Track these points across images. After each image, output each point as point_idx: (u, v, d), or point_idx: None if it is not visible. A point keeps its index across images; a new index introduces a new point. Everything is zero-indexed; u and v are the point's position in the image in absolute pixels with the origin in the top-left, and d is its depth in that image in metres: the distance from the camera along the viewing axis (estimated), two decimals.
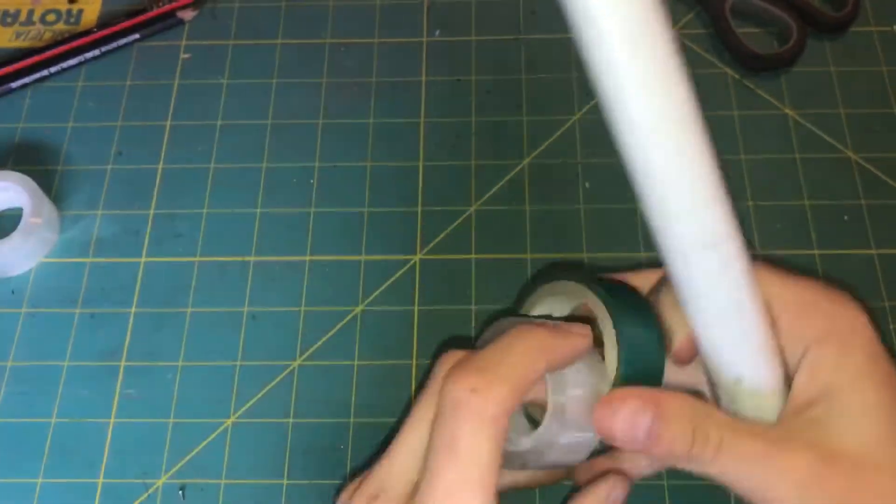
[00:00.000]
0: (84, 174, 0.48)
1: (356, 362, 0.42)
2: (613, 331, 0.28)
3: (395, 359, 0.42)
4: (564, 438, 0.27)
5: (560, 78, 0.49)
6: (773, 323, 0.27)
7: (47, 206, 0.45)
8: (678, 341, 0.28)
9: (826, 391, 0.26)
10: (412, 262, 0.44)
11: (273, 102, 0.50)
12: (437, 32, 0.52)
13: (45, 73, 0.50)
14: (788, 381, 0.27)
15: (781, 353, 0.27)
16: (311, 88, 0.50)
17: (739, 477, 0.25)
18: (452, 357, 0.27)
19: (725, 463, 0.26)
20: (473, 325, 0.43)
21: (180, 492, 0.39)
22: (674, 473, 0.38)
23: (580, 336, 0.28)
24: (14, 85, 0.50)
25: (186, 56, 0.52)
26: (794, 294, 0.27)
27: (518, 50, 0.50)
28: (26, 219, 0.44)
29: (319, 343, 0.42)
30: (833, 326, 0.27)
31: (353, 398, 0.41)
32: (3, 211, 0.47)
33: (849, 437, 0.25)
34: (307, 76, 0.50)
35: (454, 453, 0.24)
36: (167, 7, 0.52)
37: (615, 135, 0.22)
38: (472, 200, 0.46)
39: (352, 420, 0.41)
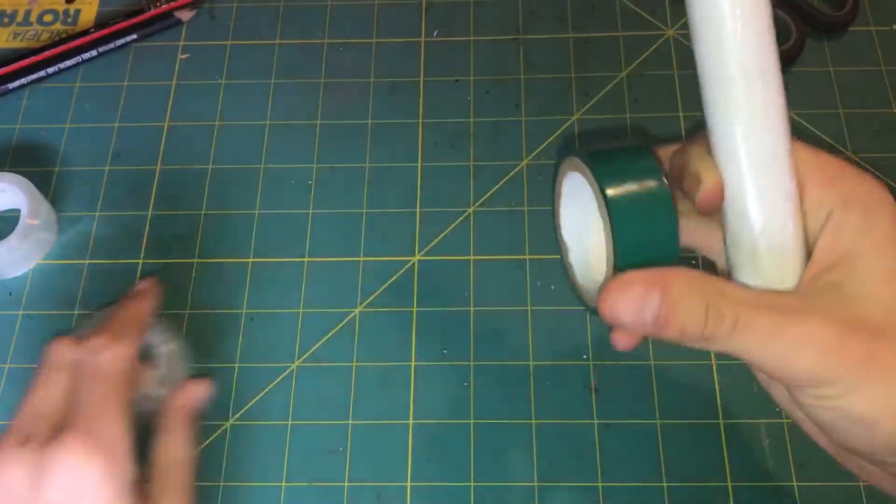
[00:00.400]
0: (82, 175, 0.48)
1: (355, 363, 0.42)
2: (607, 217, 0.26)
3: (394, 360, 0.42)
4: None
5: (559, 78, 0.49)
6: (800, 185, 0.26)
7: (45, 207, 0.45)
8: (704, 188, 0.26)
9: (848, 255, 0.25)
10: (411, 263, 0.44)
11: (271, 103, 0.49)
12: (436, 33, 0.51)
13: (42, 73, 0.50)
14: (810, 247, 0.26)
15: (805, 217, 0.26)
16: (309, 89, 0.50)
17: (759, 353, 0.24)
18: (59, 341, 0.35)
19: (742, 340, 0.24)
20: (472, 326, 0.42)
21: None
22: (673, 475, 0.39)
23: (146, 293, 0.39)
24: (11, 85, 0.50)
25: (184, 56, 0.51)
26: (822, 162, 0.26)
27: (517, 50, 0.50)
28: (24, 220, 0.44)
29: (318, 344, 0.42)
30: (858, 193, 0.26)
31: (351, 399, 0.41)
32: (1, 212, 0.46)
33: (870, 303, 0.24)
34: (305, 76, 0.50)
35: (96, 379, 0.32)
36: (165, 7, 0.52)
37: None
38: (471, 201, 0.46)
39: (350, 422, 0.40)
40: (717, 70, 0.26)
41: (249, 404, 0.41)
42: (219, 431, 0.40)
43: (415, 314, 0.43)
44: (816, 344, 0.24)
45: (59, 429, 0.31)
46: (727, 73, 0.26)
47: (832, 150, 0.46)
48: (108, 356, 0.33)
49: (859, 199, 0.25)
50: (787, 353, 0.24)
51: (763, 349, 0.24)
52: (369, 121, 0.49)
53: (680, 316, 0.25)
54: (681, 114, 0.48)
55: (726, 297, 0.25)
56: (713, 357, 0.41)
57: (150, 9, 0.52)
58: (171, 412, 0.37)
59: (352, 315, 0.43)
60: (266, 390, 0.41)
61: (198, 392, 0.39)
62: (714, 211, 0.27)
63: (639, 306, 0.25)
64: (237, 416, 0.41)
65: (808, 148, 0.27)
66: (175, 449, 0.36)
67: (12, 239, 0.43)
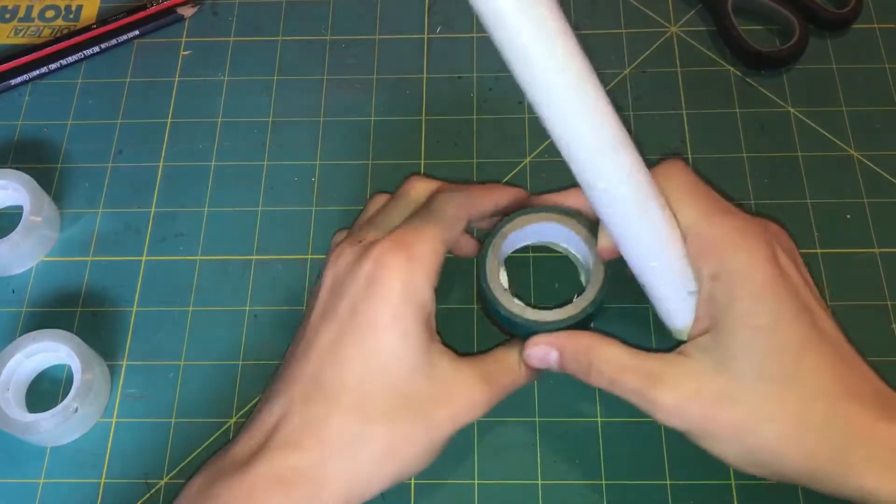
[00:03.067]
0: (84, 172, 0.47)
1: None
2: (601, 271, 0.38)
3: None
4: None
5: None
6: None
7: (47, 204, 0.45)
8: (600, 247, 0.37)
9: (713, 325, 0.32)
10: None
11: (274, 100, 0.49)
12: (439, 29, 0.51)
13: (44, 69, 0.50)
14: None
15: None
16: (312, 85, 0.50)
17: (631, 401, 0.34)
18: (421, 177, 0.40)
19: (615, 391, 0.34)
20: (475, 323, 0.42)
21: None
22: (677, 473, 0.39)
23: (511, 191, 0.40)
24: (13, 82, 0.50)
25: (187, 53, 0.51)
26: (707, 228, 0.32)
27: None
28: (26, 217, 0.44)
29: None
30: (726, 268, 0.32)
31: None
32: (4, 209, 0.46)
33: (721, 374, 0.31)
34: (308, 73, 0.50)
35: (428, 210, 0.36)
36: (167, 3, 0.52)
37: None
38: None
39: None
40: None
41: (252, 402, 0.41)
42: (222, 429, 0.40)
43: None
44: (664, 409, 0.32)
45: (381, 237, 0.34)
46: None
47: (835, 147, 0.46)
48: (445, 196, 0.37)
49: (725, 276, 0.32)
50: (646, 408, 0.33)
51: (633, 401, 0.33)
52: (372, 118, 0.48)
53: (571, 368, 0.35)
54: (683, 111, 0.48)
55: (608, 362, 0.34)
56: None
57: (152, 5, 0.52)
58: (534, 342, 0.37)
59: None
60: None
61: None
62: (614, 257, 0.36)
63: (545, 357, 0.36)
64: (240, 413, 0.41)
65: (702, 209, 0.33)
66: (510, 361, 0.37)
67: (15, 236, 0.43)
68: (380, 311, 0.32)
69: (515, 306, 0.38)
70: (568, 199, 0.39)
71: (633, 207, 0.31)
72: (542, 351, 0.36)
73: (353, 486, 0.31)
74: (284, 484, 0.30)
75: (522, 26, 0.25)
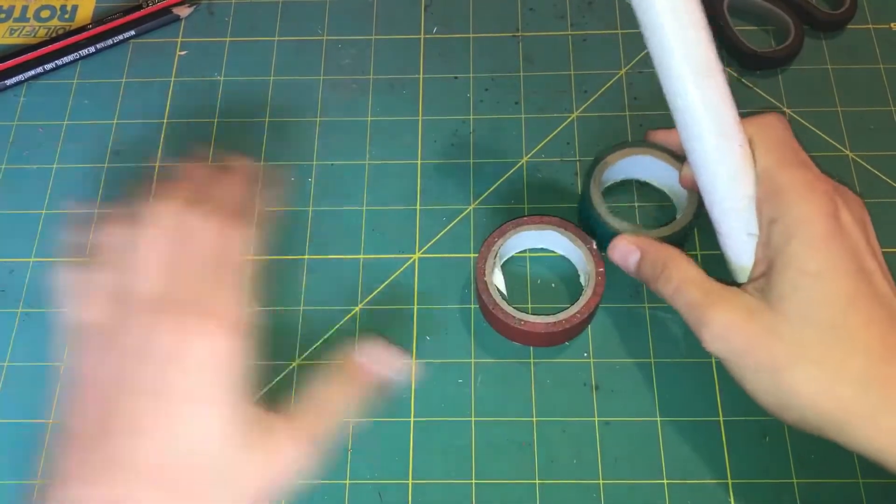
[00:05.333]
0: (80, 172, 0.47)
1: None
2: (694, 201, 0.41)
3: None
4: None
5: (558, 75, 0.49)
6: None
7: None
8: (681, 175, 0.40)
9: (769, 268, 0.33)
10: (411, 260, 0.44)
11: (270, 100, 0.49)
12: (435, 29, 0.51)
13: (39, 70, 0.50)
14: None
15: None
16: (308, 85, 0.50)
17: (682, 313, 0.35)
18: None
19: (676, 301, 0.35)
20: (472, 322, 0.42)
21: None
22: (674, 473, 0.39)
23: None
24: (8, 82, 0.50)
25: (182, 53, 0.51)
26: (778, 175, 0.33)
27: (516, 47, 0.50)
28: None
29: (319, 342, 0.42)
30: (785, 212, 0.33)
31: None
32: None
33: (770, 312, 0.32)
34: (304, 73, 0.50)
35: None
36: (163, 3, 0.52)
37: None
38: (471, 198, 0.46)
39: (351, 420, 0.40)
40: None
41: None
42: None
43: (415, 312, 0.43)
44: (715, 327, 0.33)
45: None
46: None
47: (830, 148, 0.46)
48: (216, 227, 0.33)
49: (783, 221, 0.33)
50: (697, 324, 0.34)
51: (685, 314, 0.35)
52: (369, 118, 0.48)
53: (644, 269, 0.37)
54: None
55: (680, 271, 0.35)
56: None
57: (147, 5, 0.52)
58: (350, 366, 0.36)
59: (352, 313, 0.43)
60: (267, 388, 0.41)
61: (394, 365, 0.37)
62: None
63: (625, 255, 0.38)
64: None
65: (774, 155, 0.34)
66: (330, 400, 0.34)
67: None
68: (186, 386, 0.30)
69: (615, 221, 0.41)
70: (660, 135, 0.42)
71: (709, 131, 0.34)
72: (627, 249, 0.38)
73: None
74: None
75: None
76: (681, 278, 0.35)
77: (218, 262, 0.32)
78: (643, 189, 0.46)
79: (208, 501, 0.30)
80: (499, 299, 0.40)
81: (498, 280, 0.42)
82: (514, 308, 0.40)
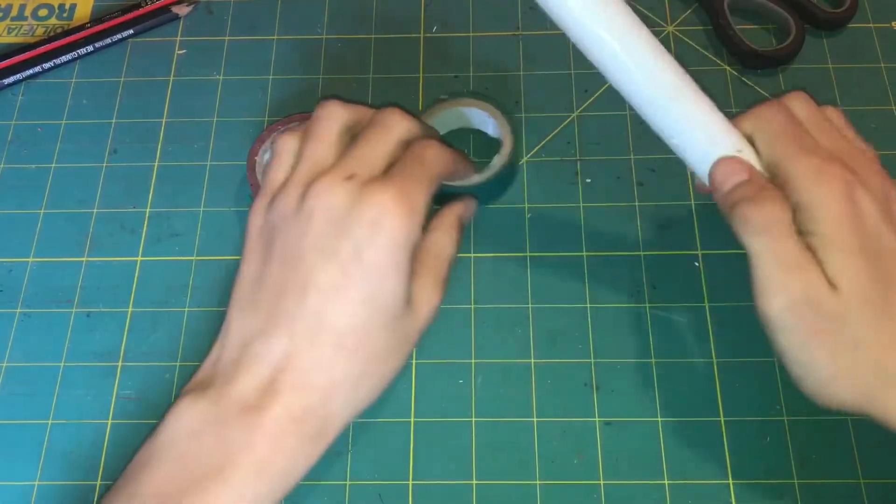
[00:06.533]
0: (79, 172, 0.47)
1: None
2: (509, 142, 0.44)
3: None
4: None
5: (558, 74, 0.49)
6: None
7: None
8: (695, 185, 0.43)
9: (814, 249, 0.32)
10: None
11: (269, 98, 0.49)
12: (435, 28, 0.51)
13: (37, 69, 0.50)
14: None
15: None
16: (307, 85, 0.50)
17: (760, 259, 0.32)
18: (398, 111, 0.38)
19: (759, 243, 0.32)
20: (473, 323, 0.42)
21: None
22: (675, 473, 0.39)
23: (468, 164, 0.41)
24: (6, 81, 0.50)
25: (181, 52, 0.51)
26: (788, 168, 0.33)
27: (516, 46, 0.50)
28: None
29: None
30: (803, 199, 0.33)
31: None
32: None
33: (832, 290, 0.31)
34: (304, 72, 0.50)
35: (421, 160, 0.35)
36: (161, 2, 0.52)
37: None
38: None
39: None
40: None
41: None
42: None
43: None
44: (791, 295, 0.32)
45: (376, 178, 0.34)
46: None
47: None
48: (437, 152, 0.36)
49: (804, 207, 0.32)
50: (764, 280, 0.32)
51: (756, 260, 0.32)
52: None
53: (742, 192, 0.34)
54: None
55: (781, 209, 0.33)
56: (714, 355, 0.41)
57: (146, 4, 0.52)
58: (446, 214, 0.39)
59: None
60: None
61: (469, 207, 0.42)
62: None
63: (733, 173, 0.35)
64: None
65: (780, 151, 0.34)
66: (444, 244, 0.38)
67: None
68: (385, 259, 0.32)
69: None
70: None
71: (702, 152, 0.36)
72: (735, 168, 0.35)
73: (347, 419, 0.33)
74: (297, 423, 0.31)
75: None
76: (779, 218, 0.33)
77: (425, 164, 0.36)
78: (477, 136, 0.47)
79: (392, 359, 0.34)
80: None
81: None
82: None
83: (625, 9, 0.34)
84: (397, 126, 0.37)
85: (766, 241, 0.32)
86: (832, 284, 0.31)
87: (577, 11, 0.33)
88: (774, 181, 0.34)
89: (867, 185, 0.33)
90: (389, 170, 0.35)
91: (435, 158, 0.36)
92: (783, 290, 0.32)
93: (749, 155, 0.35)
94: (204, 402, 0.32)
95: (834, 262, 0.31)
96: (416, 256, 0.35)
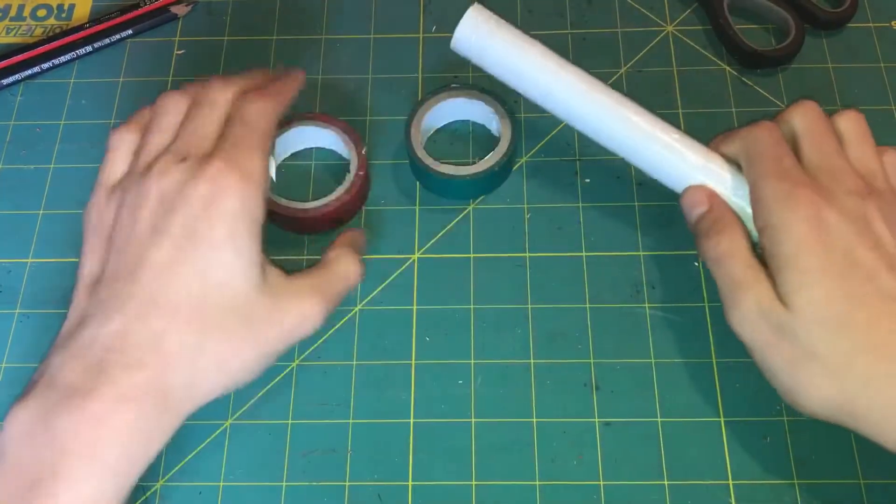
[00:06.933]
0: (78, 172, 0.47)
1: (355, 362, 0.42)
2: (508, 134, 0.45)
3: (394, 359, 0.42)
4: None
5: None
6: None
7: None
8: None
9: (774, 269, 0.34)
10: (410, 260, 0.44)
11: None
12: (434, 28, 0.51)
13: (36, 69, 0.50)
14: None
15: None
16: (307, 84, 0.49)
17: (718, 283, 0.36)
18: (221, 78, 0.37)
19: (717, 268, 0.36)
20: (472, 323, 0.42)
21: None
22: (675, 473, 0.39)
23: (292, 82, 0.39)
24: (5, 81, 0.49)
25: (180, 52, 0.51)
26: (760, 189, 0.35)
27: None
28: None
29: (318, 343, 0.42)
30: (768, 222, 0.34)
31: (352, 398, 0.41)
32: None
33: (786, 307, 0.33)
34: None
35: (247, 122, 0.35)
36: (160, 2, 0.52)
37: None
38: (471, 198, 0.46)
39: (351, 421, 0.40)
40: None
41: (249, 403, 0.41)
42: (218, 430, 0.40)
43: (415, 312, 0.43)
44: (739, 311, 0.34)
45: (206, 154, 0.34)
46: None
47: None
48: (258, 106, 0.36)
49: (769, 229, 0.34)
50: (728, 304, 0.35)
51: (723, 288, 0.35)
52: (367, 117, 0.48)
53: (701, 225, 0.37)
54: (680, 110, 0.48)
55: (735, 241, 0.36)
56: (714, 355, 0.41)
57: (145, 4, 0.52)
58: (343, 235, 0.40)
59: (351, 313, 0.43)
60: (266, 389, 0.41)
61: (362, 237, 0.41)
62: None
63: (695, 203, 0.38)
64: (237, 415, 0.41)
65: (755, 171, 0.36)
66: (342, 263, 0.38)
67: None
68: (217, 232, 0.32)
69: (433, 162, 0.44)
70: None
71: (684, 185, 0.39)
72: (698, 199, 0.38)
73: (193, 392, 0.32)
74: (130, 401, 0.30)
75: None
76: (729, 247, 0.36)
77: (248, 126, 0.35)
78: (476, 127, 0.48)
79: (235, 338, 0.33)
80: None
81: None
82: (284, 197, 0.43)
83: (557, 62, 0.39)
84: (218, 94, 0.36)
85: (720, 268, 0.36)
86: (784, 302, 0.33)
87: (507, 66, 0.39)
88: (751, 198, 0.36)
89: (840, 206, 0.33)
90: (219, 143, 0.34)
91: (258, 113, 0.35)
92: (737, 305, 0.34)
93: (718, 168, 0.38)
94: (31, 401, 0.30)
95: (789, 282, 0.33)
96: (312, 270, 0.36)
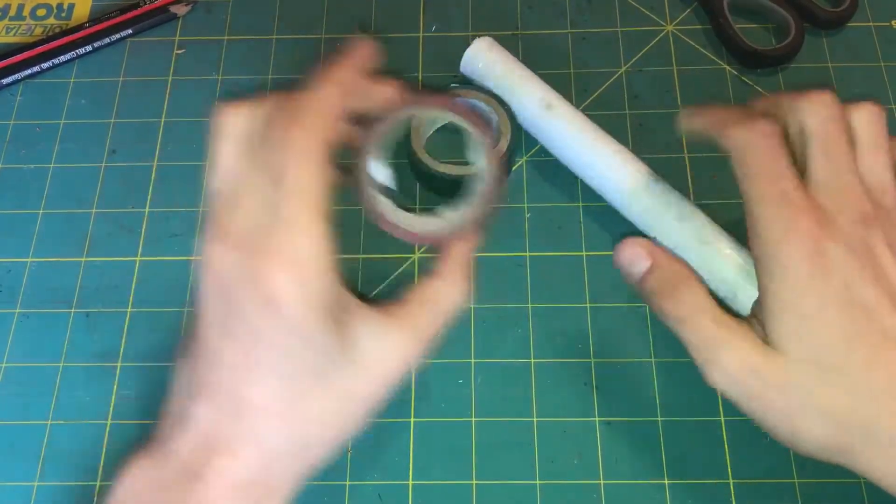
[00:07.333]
0: (77, 172, 0.47)
1: None
2: (509, 129, 0.45)
3: None
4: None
5: (557, 74, 0.49)
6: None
7: None
8: None
9: (765, 307, 0.31)
10: (411, 260, 0.44)
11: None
12: (434, 27, 0.51)
13: (36, 69, 0.50)
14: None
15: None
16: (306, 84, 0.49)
17: (688, 345, 0.32)
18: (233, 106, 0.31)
19: (681, 330, 0.32)
20: (473, 323, 0.42)
21: None
22: (675, 473, 0.39)
23: (389, 86, 0.33)
24: (5, 81, 0.49)
25: (180, 51, 0.51)
26: (757, 214, 0.31)
27: (515, 46, 0.50)
28: None
29: None
30: (767, 255, 0.31)
31: None
32: None
33: (776, 356, 0.31)
34: (303, 71, 0.50)
35: (283, 187, 0.28)
36: (160, 2, 0.52)
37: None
38: None
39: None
40: None
41: None
42: None
43: None
44: (727, 368, 0.31)
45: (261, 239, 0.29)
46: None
47: None
48: (288, 148, 0.29)
49: (767, 263, 0.31)
50: (705, 365, 0.31)
51: (694, 350, 0.32)
52: None
53: (648, 284, 0.34)
54: (680, 109, 0.48)
55: (695, 296, 0.32)
56: None
57: (145, 3, 0.52)
58: (451, 257, 0.34)
59: None
60: None
61: (470, 245, 0.34)
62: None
63: (632, 259, 0.34)
64: None
65: (755, 192, 0.32)
66: (444, 293, 0.33)
67: None
68: (284, 337, 0.29)
69: (433, 162, 0.44)
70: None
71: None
72: (636, 254, 0.34)
73: (300, 478, 0.31)
74: (238, 490, 0.30)
75: None
76: (693, 306, 0.32)
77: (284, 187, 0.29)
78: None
79: (334, 419, 0.31)
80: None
81: (381, 174, 0.35)
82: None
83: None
84: (278, 141, 0.29)
85: (686, 328, 0.32)
86: (776, 347, 0.31)
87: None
88: (747, 223, 0.32)
89: (844, 237, 0.31)
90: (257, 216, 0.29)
91: (295, 169, 0.28)
92: (716, 364, 0.31)
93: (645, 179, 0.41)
94: (150, 463, 0.30)
95: (786, 325, 0.31)
96: (403, 300, 0.32)
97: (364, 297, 0.32)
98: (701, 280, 0.33)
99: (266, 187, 0.29)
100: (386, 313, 0.32)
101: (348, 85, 0.31)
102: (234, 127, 0.30)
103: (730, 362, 0.31)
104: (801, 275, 0.30)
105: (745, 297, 0.38)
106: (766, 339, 0.31)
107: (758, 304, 0.32)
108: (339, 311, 0.30)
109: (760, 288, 0.32)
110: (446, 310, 0.33)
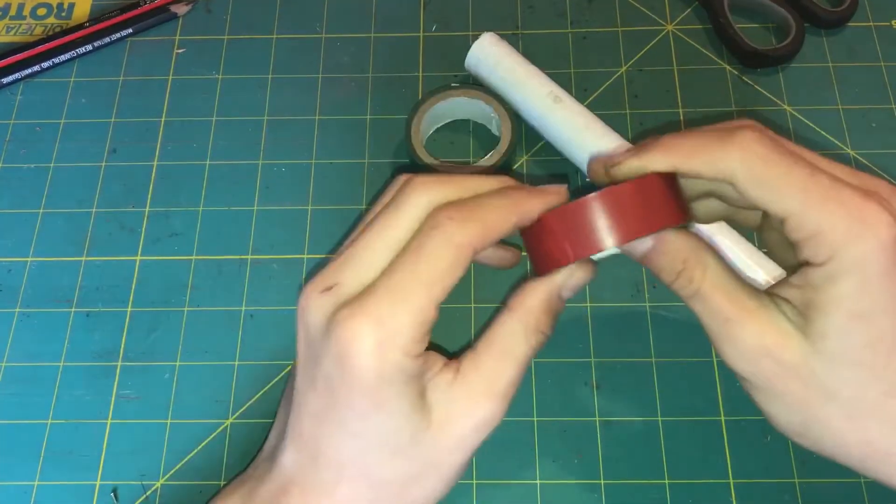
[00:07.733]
0: (78, 171, 0.47)
1: None
2: (509, 131, 0.45)
3: None
4: None
5: (558, 73, 0.49)
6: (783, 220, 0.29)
7: None
8: None
9: (806, 301, 0.29)
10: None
11: (269, 98, 0.49)
12: (434, 27, 0.51)
13: (36, 68, 0.50)
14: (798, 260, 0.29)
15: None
16: (306, 84, 0.49)
17: (702, 320, 0.30)
18: (420, 180, 0.31)
19: (696, 306, 0.30)
20: (473, 322, 0.42)
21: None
22: (675, 472, 0.39)
23: (554, 194, 0.31)
24: (5, 80, 0.49)
25: (180, 51, 0.51)
26: (814, 217, 0.28)
27: (516, 45, 0.50)
28: None
29: None
30: (836, 254, 0.27)
31: None
32: None
33: (807, 344, 0.28)
34: (303, 71, 0.50)
35: (416, 258, 0.29)
36: (160, 1, 0.51)
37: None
38: None
39: None
40: None
41: (249, 402, 0.41)
42: (218, 430, 0.40)
43: None
44: (739, 346, 0.29)
45: (353, 296, 0.29)
46: None
47: (831, 146, 0.46)
48: (448, 234, 0.29)
49: (833, 262, 0.28)
50: (721, 340, 0.30)
51: (710, 325, 0.30)
52: (368, 116, 0.48)
53: (656, 261, 0.31)
54: (680, 109, 0.48)
55: (708, 270, 0.30)
56: (714, 355, 0.41)
57: (145, 3, 0.52)
58: (530, 293, 0.32)
59: None
60: (266, 389, 0.41)
61: (583, 276, 0.32)
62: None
63: (633, 244, 0.31)
64: (237, 414, 0.41)
65: (789, 194, 0.28)
66: (516, 340, 0.31)
67: None
68: (357, 399, 0.29)
69: (433, 161, 0.44)
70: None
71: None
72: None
73: None
74: None
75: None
76: (706, 281, 0.30)
77: (421, 260, 0.29)
78: (476, 127, 0.48)
79: (412, 487, 0.30)
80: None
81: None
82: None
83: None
84: (408, 204, 0.30)
85: (700, 304, 0.30)
86: (812, 339, 0.28)
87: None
88: (794, 230, 0.28)
89: None
90: (382, 274, 0.29)
91: (439, 245, 0.29)
92: (731, 340, 0.29)
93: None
94: (237, 500, 0.32)
95: (833, 325, 0.28)
96: (475, 351, 0.31)
97: (444, 352, 0.32)
98: (715, 254, 0.30)
99: (395, 254, 0.29)
100: (457, 372, 0.31)
101: (524, 217, 0.31)
102: (415, 209, 0.30)
103: (747, 339, 0.29)
104: (878, 270, 0.27)
105: None
106: (796, 329, 0.29)
107: (788, 285, 0.29)
108: (419, 376, 0.30)
109: (812, 287, 0.28)
110: (521, 359, 0.31)
